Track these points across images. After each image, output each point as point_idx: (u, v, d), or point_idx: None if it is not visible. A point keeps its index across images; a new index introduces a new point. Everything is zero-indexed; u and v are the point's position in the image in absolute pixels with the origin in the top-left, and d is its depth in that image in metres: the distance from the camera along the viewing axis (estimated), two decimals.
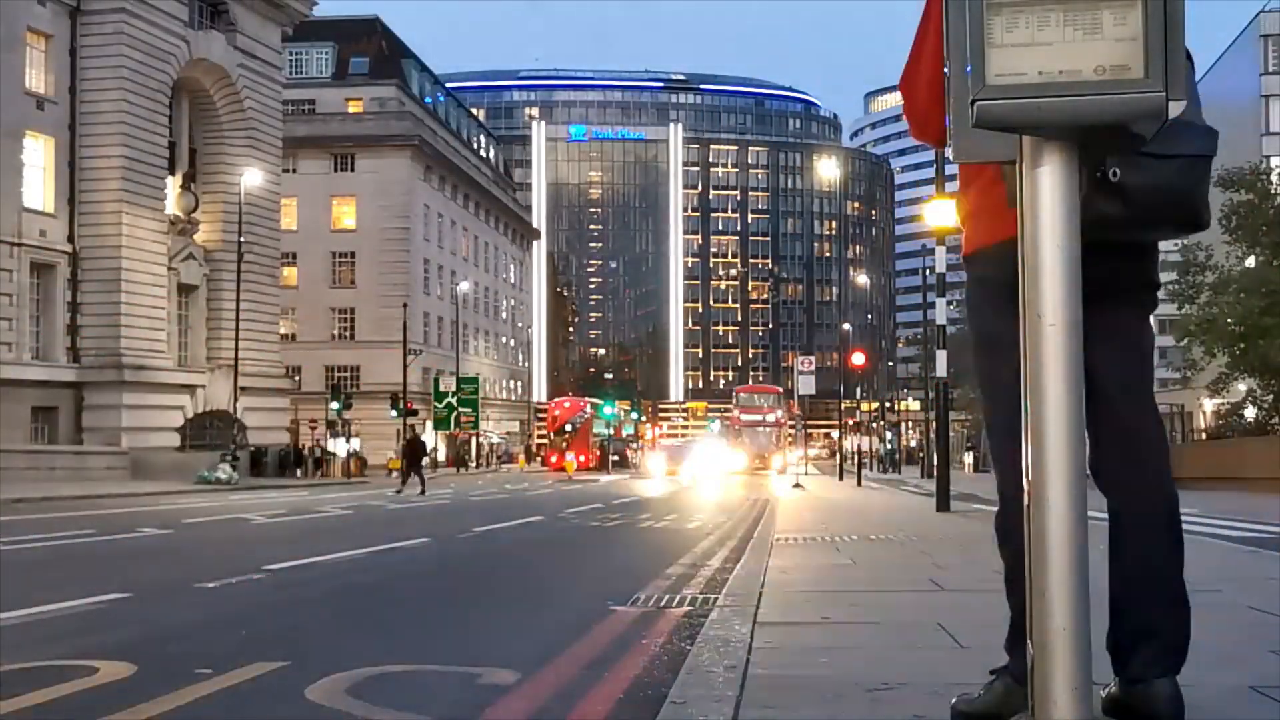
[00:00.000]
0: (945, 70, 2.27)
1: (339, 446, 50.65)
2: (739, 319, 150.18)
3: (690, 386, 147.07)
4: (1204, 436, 32.03)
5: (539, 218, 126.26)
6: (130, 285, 39.82)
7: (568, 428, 63.46)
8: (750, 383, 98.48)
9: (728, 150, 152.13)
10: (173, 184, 43.50)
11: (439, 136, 71.78)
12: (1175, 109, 2.09)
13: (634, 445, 78.21)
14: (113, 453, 37.50)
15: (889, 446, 68.81)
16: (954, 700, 3.05)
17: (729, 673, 3.90)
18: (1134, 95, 2.07)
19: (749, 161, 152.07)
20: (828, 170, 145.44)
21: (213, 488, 32.46)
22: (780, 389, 71.54)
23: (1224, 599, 5.92)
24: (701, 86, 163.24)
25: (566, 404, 68.32)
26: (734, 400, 67.79)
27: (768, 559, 8.51)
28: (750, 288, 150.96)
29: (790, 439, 60.57)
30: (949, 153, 2.35)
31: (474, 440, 67.67)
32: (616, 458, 63.95)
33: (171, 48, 42.14)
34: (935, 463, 19.81)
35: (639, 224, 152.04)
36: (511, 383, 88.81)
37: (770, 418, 61.80)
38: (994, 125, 2.14)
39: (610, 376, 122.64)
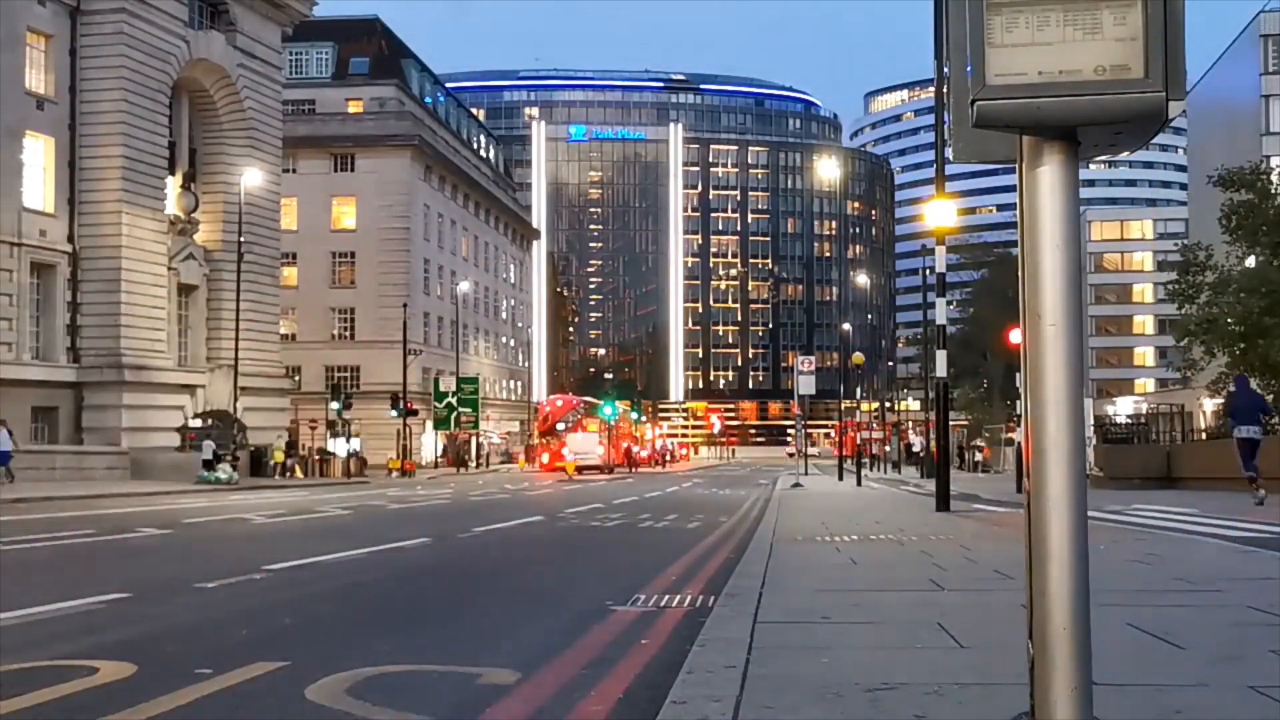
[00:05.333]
0: (945, 70, 2.27)
1: (339, 446, 50.62)
2: (739, 319, 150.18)
3: (690, 386, 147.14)
4: (1204, 436, 31.93)
5: (539, 218, 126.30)
6: (130, 285, 39.78)
7: (560, 426, 62.20)
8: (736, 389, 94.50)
9: (728, 150, 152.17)
10: (173, 184, 43.46)
11: (439, 136, 71.75)
12: (1175, 109, 2.09)
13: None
14: (113, 453, 37.46)
15: (890, 447, 68.59)
16: None
17: (729, 672, 3.91)
18: (1134, 95, 2.07)
19: (749, 161, 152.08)
20: (828, 170, 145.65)
21: (212, 488, 32.46)
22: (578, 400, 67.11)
23: (1224, 599, 5.92)
24: (701, 86, 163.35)
25: (559, 401, 66.29)
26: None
27: (768, 559, 8.51)
28: (750, 288, 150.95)
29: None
30: (949, 153, 2.35)
31: (474, 440, 67.60)
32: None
33: (171, 48, 42.11)
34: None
35: (639, 224, 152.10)
36: (511, 383, 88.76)
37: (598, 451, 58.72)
38: (994, 125, 2.14)
39: (610, 376, 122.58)
